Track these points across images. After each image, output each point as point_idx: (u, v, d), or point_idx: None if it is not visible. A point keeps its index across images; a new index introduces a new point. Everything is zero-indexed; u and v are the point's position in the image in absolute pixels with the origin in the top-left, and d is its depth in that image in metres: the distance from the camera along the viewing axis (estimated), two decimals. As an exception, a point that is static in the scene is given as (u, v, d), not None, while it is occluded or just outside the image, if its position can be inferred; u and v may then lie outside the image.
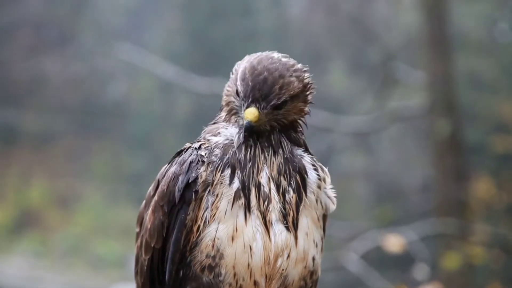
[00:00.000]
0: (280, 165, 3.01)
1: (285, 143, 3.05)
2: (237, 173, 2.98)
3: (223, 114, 3.16)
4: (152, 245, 3.07)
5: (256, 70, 3.02)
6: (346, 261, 10.41)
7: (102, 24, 24.09)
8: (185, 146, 3.12)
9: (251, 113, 2.99)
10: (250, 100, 3.00)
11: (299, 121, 3.11)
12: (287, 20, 21.40)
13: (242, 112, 3.02)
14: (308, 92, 3.09)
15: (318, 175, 3.09)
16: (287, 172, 3.01)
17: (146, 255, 3.12)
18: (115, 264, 21.04)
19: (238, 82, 3.04)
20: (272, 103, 2.99)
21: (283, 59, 3.07)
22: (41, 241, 22.01)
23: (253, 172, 2.98)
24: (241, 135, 3.02)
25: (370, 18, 17.23)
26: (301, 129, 3.12)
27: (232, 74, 3.15)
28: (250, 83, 3.01)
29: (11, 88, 23.37)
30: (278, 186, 2.99)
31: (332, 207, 3.14)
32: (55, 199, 23.30)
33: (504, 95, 16.03)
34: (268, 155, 3.01)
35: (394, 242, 9.66)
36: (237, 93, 3.06)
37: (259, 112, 2.98)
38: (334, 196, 3.15)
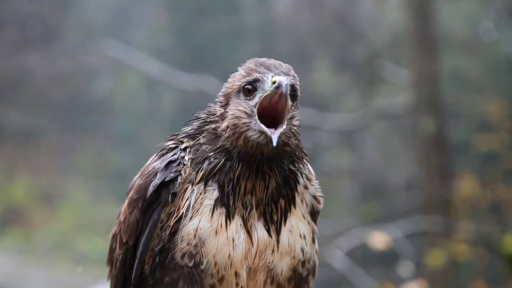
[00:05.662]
0: (265, 184, 2.98)
1: (277, 165, 3.00)
2: (223, 185, 2.96)
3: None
4: (125, 241, 3.07)
5: (262, 60, 3.01)
6: (331, 258, 10.44)
7: (87, 20, 24.02)
8: (171, 146, 3.10)
9: (281, 78, 2.90)
10: (272, 73, 2.94)
11: (299, 149, 3.06)
12: (273, 18, 21.39)
13: (268, 82, 2.92)
14: (297, 105, 3.08)
15: (307, 177, 3.12)
16: (273, 192, 2.99)
17: (120, 249, 3.11)
18: (100, 261, 20.92)
19: (245, 77, 2.98)
20: (293, 81, 2.97)
21: None
22: (25, 238, 21.93)
23: (239, 188, 2.95)
24: (261, 138, 2.91)
25: (355, 16, 17.26)
26: (300, 151, 3.08)
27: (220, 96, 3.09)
28: (263, 66, 2.97)
29: (-5, 84, 23.27)
30: (263, 200, 2.98)
31: (319, 206, 3.15)
32: (39, 195, 23.21)
33: (489, 94, 16.10)
34: (256, 176, 2.97)
35: (379, 240, 9.69)
36: (249, 83, 2.97)
37: (286, 78, 2.91)
38: (320, 196, 3.16)
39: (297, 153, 3.06)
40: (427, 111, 11.72)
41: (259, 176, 2.98)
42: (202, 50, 20.31)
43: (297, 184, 3.06)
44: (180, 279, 2.95)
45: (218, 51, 19.77)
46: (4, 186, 23.18)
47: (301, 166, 3.09)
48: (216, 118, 3.05)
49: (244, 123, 2.93)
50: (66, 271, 20.84)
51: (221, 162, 2.97)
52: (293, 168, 3.05)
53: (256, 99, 2.94)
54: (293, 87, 2.98)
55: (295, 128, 3.02)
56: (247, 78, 2.97)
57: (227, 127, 2.97)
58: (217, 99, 3.12)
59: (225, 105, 3.04)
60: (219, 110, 3.06)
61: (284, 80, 2.88)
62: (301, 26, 19.72)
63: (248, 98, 2.96)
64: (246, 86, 2.98)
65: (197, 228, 2.93)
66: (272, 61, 3.00)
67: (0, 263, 20.56)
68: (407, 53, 12.84)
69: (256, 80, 2.95)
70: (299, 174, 3.08)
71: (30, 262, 21.05)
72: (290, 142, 3.01)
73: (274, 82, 2.90)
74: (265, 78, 2.93)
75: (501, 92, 16.15)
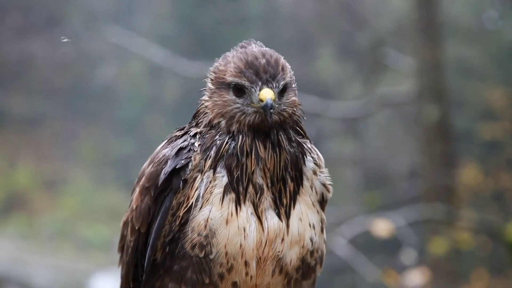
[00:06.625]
0: (277, 156, 2.98)
1: (284, 135, 3.00)
2: (231, 168, 2.96)
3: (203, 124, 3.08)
4: (137, 228, 3.07)
5: (251, 58, 2.98)
6: (334, 245, 10.45)
7: (91, 7, 24.00)
8: (180, 133, 3.10)
9: (268, 92, 2.93)
10: (260, 83, 2.94)
11: (296, 116, 3.04)
12: (277, 5, 21.38)
13: (256, 96, 2.93)
14: (294, 84, 3.07)
15: (315, 163, 3.09)
16: (286, 163, 2.99)
17: (131, 236, 3.11)
18: (102, 247, 21.05)
19: (235, 78, 2.98)
20: (282, 83, 2.96)
21: (265, 48, 3.06)
22: (28, 224, 21.99)
23: (246, 167, 2.95)
24: (257, 117, 2.94)
25: (359, 4, 17.25)
26: (299, 119, 3.06)
27: (209, 86, 3.08)
28: (252, 69, 2.96)
29: (-2, 71, 23.28)
30: (273, 177, 2.97)
31: (328, 195, 3.13)
32: (42, 182, 23.26)
33: (492, 82, 16.11)
34: (265, 147, 2.97)
35: (382, 227, 9.71)
36: (238, 86, 2.98)
37: (273, 91, 2.93)
38: (330, 184, 3.13)
39: (300, 124, 3.06)
40: (431, 99, 11.73)
41: (269, 146, 2.98)
42: (205, 36, 20.30)
43: (305, 157, 3.05)
44: (189, 267, 2.96)
45: (221, 38, 19.76)
46: (7, 172, 23.23)
47: (307, 143, 3.09)
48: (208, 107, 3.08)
49: (234, 110, 3.00)
50: (69, 257, 20.92)
51: (225, 141, 2.98)
52: (299, 139, 3.04)
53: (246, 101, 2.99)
54: (284, 85, 2.99)
55: (288, 101, 3.02)
56: (236, 79, 2.99)
57: (217, 114, 3.02)
58: (207, 82, 3.12)
59: (215, 92, 3.07)
60: (208, 96, 3.09)
61: (270, 100, 2.90)
62: (305, 13, 19.69)
63: (237, 96, 3.00)
64: (235, 86, 3.00)
65: (207, 219, 2.94)
66: (261, 61, 2.97)
67: (3, 249, 20.63)
68: (411, 41, 12.84)
69: (244, 87, 2.97)
70: (305, 147, 3.06)
71: (32, 248, 21.12)
72: (286, 110, 3.01)
73: (261, 100, 2.92)
74: (252, 90, 2.95)
75: (505, 80, 16.17)
